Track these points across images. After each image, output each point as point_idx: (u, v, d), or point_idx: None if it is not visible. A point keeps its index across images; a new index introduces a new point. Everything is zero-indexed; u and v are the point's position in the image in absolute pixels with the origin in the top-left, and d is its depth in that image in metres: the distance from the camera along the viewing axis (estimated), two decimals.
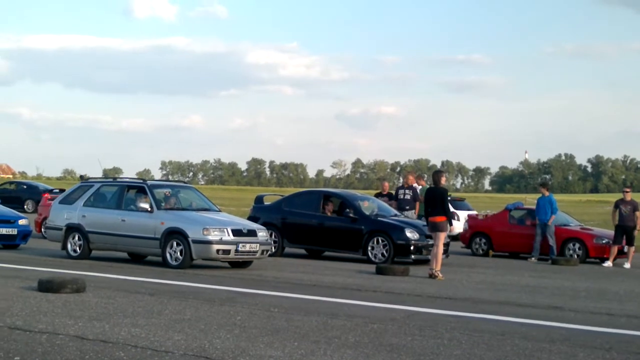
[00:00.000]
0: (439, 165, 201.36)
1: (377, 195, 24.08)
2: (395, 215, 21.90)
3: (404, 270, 17.46)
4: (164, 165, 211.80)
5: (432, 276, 17.18)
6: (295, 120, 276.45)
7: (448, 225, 17.99)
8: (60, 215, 19.82)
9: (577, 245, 24.37)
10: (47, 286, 12.29)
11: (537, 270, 20.88)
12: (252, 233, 17.89)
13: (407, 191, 23.33)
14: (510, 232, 25.79)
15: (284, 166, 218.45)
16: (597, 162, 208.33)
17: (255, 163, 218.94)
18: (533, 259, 24.13)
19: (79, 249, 19.21)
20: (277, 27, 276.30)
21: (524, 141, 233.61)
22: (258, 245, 17.79)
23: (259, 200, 23.77)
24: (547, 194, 24.57)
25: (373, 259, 20.46)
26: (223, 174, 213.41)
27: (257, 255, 17.93)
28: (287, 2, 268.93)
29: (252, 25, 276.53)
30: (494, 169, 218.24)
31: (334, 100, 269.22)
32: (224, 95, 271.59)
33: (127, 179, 20.84)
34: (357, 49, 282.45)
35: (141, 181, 19.79)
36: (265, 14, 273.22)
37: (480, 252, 25.95)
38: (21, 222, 21.56)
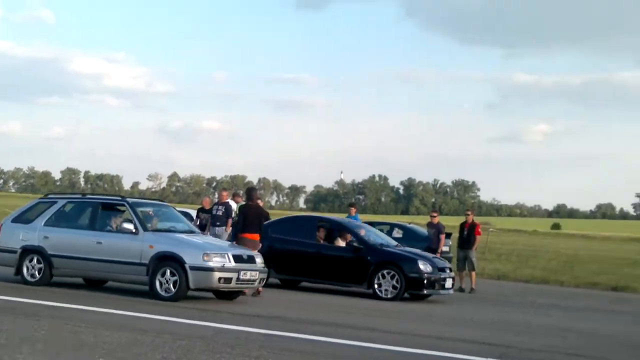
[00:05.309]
0: (255, 182, 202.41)
1: (200, 211, 23.55)
2: (397, 244, 20.71)
3: None
4: None
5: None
6: (116, 132, 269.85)
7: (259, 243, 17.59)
8: (14, 236, 17.14)
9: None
10: None
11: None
12: (251, 259, 16.06)
13: (220, 207, 22.93)
14: None
15: (99, 177, 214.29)
16: (409, 185, 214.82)
17: (70, 172, 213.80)
18: None
19: (39, 274, 16.64)
20: (105, 36, 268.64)
21: (341, 161, 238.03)
22: (257, 273, 16.05)
23: None
24: (352, 213, 24.30)
25: (380, 294, 18.87)
26: (35, 183, 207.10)
27: (255, 284, 16.24)
28: (118, 11, 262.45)
29: (80, 33, 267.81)
30: (310, 188, 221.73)
31: (158, 112, 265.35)
32: (45, 102, 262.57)
33: (101, 196, 18.86)
34: (187, 63, 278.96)
35: (119, 198, 17.51)
36: (93, 22, 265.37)
37: None
38: None
